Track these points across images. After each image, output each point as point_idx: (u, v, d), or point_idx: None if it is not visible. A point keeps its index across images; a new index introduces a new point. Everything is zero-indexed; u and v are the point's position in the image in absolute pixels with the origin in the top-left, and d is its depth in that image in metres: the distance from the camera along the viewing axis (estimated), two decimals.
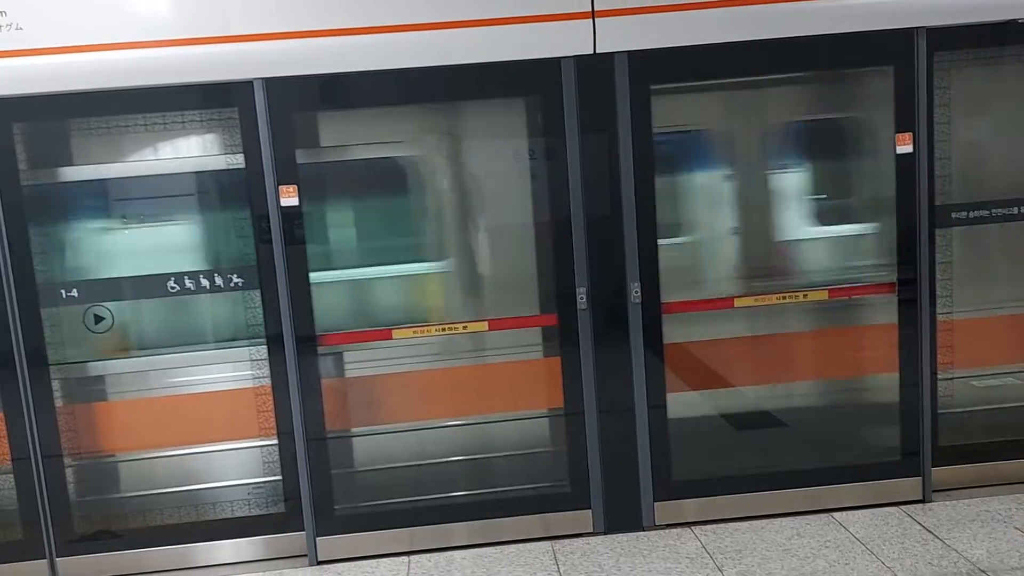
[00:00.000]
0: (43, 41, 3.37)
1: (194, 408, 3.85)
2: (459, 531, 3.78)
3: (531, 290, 3.91)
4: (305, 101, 3.58)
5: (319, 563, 3.72)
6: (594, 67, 3.54)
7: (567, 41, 3.51)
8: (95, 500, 3.86)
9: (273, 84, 3.47)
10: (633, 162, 3.60)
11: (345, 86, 3.53)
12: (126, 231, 3.83)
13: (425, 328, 3.75)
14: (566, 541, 3.76)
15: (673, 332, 3.75)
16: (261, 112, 3.48)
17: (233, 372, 3.81)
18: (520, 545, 3.74)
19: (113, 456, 3.95)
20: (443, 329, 3.75)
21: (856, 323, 4.07)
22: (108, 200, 3.82)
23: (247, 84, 3.46)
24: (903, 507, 3.83)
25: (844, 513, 3.81)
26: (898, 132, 3.66)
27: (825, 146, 4.12)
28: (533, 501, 3.82)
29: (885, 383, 3.89)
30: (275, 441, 3.71)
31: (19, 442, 3.60)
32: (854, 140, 4.06)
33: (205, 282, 3.61)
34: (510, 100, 3.80)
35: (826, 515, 3.81)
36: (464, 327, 3.76)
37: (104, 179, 3.76)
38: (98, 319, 3.68)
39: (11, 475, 3.63)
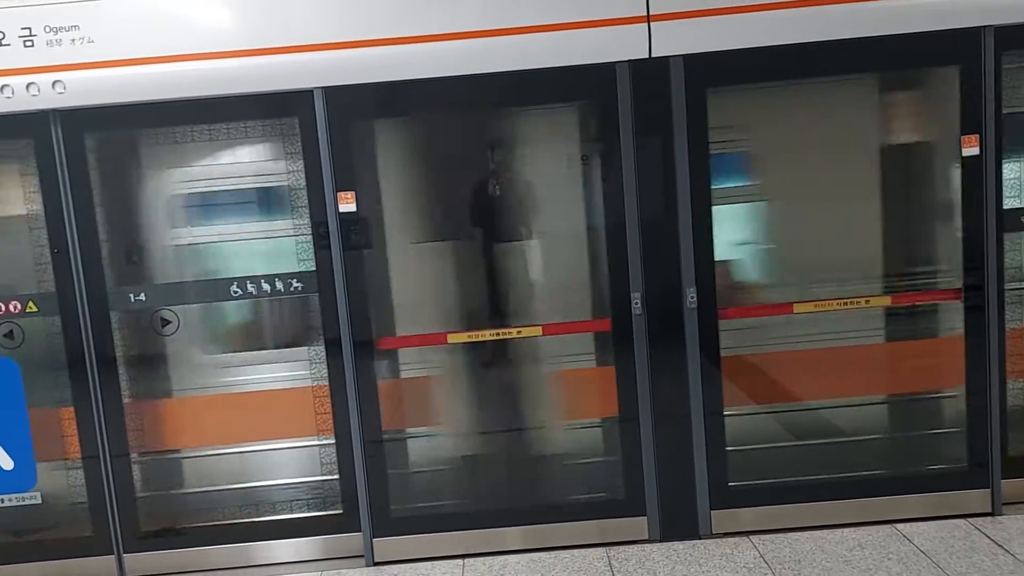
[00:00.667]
0: (113, 54, 3.49)
1: (254, 409, 3.94)
2: (513, 535, 3.79)
3: (585, 295, 3.90)
4: (363, 109, 3.63)
5: (375, 564, 3.77)
6: (649, 71, 3.52)
7: (622, 46, 3.51)
8: (160, 497, 3.97)
9: (332, 93, 3.53)
10: (689, 166, 3.57)
11: (402, 94, 3.57)
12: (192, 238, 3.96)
13: (480, 332, 3.77)
14: (621, 548, 3.74)
15: (730, 339, 3.71)
16: (320, 120, 3.55)
17: (292, 375, 3.89)
18: (575, 551, 3.74)
19: (178, 451, 4.07)
20: (497, 333, 3.77)
21: (921, 330, 3.97)
22: (176, 207, 3.95)
23: (307, 93, 3.53)
24: (970, 520, 3.71)
25: (908, 525, 3.71)
26: (964, 134, 3.57)
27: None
28: (588, 507, 3.82)
29: (951, 392, 3.78)
30: (332, 442, 3.77)
31: (89, 441, 3.73)
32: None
33: (266, 287, 3.69)
34: (564, 106, 3.81)
35: (889, 526, 3.71)
36: (518, 332, 3.78)
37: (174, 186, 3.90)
38: (164, 322, 3.80)
39: (81, 472, 3.76)
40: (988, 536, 3.56)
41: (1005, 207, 3.61)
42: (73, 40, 3.47)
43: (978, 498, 3.74)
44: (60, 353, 3.69)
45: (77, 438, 3.72)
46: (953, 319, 3.73)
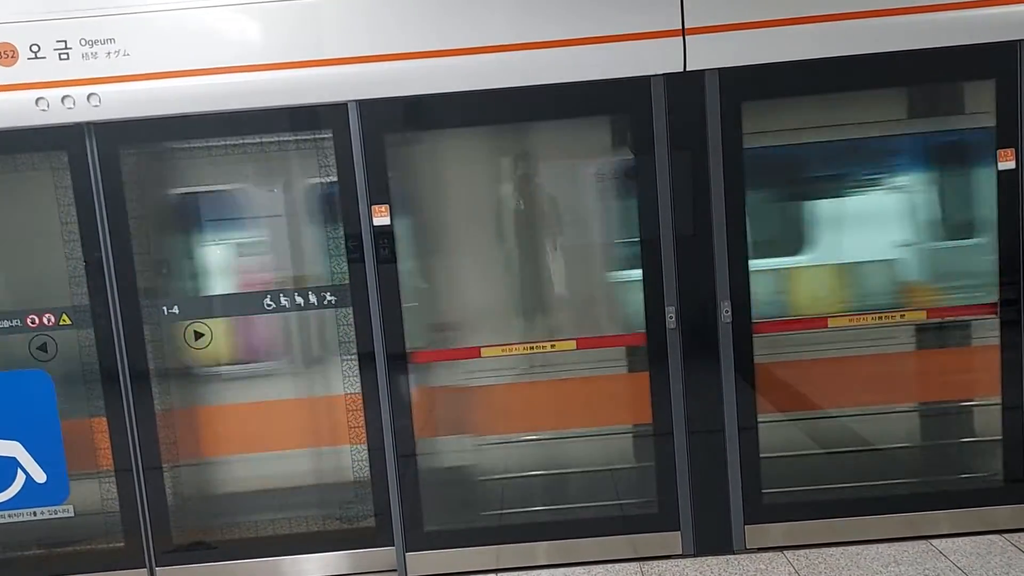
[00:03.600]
0: (148, 67, 3.49)
1: (286, 421, 3.93)
2: (546, 550, 3.77)
3: (620, 309, 3.89)
4: (396, 122, 3.62)
5: None
6: (684, 84, 3.52)
7: (657, 59, 3.50)
8: (192, 510, 3.96)
9: (366, 106, 3.53)
10: (723, 179, 3.56)
11: (437, 106, 3.57)
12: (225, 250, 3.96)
13: (513, 346, 3.77)
14: (654, 563, 3.72)
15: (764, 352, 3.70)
16: (355, 133, 3.55)
17: (325, 388, 3.89)
18: (608, 565, 3.72)
19: (209, 463, 4.06)
20: (531, 347, 3.76)
21: (956, 344, 3.96)
22: (212, 221, 3.96)
23: (341, 106, 3.53)
24: (1007, 536, 3.69)
25: (944, 540, 3.69)
26: (1000, 148, 3.55)
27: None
28: (621, 521, 3.80)
29: (986, 406, 3.76)
30: (365, 455, 3.76)
31: (121, 454, 3.72)
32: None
33: (299, 299, 3.69)
34: (598, 119, 3.80)
35: (924, 542, 3.69)
36: (552, 346, 3.77)
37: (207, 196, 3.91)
38: (197, 335, 3.79)
39: (114, 485, 3.75)
40: None
41: None
42: (108, 53, 3.47)
43: (1014, 514, 3.72)
44: (93, 365, 3.68)
45: (110, 450, 3.72)
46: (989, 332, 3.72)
